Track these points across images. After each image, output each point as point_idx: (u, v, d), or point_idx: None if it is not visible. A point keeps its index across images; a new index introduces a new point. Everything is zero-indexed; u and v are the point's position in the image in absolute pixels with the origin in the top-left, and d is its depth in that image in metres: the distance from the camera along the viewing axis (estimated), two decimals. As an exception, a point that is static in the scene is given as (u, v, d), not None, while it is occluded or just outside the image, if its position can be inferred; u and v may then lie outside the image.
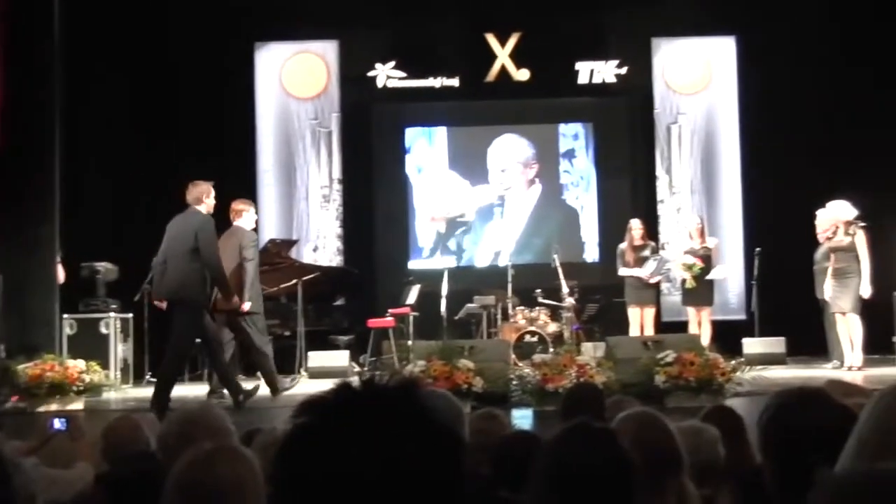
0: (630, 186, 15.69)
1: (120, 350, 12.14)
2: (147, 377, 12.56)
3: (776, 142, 14.38)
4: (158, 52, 14.21)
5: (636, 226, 12.82)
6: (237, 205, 10.64)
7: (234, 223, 10.51)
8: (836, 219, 11.70)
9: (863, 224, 11.60)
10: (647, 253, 12.67)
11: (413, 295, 13.47)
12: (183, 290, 9.37)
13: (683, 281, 12.74)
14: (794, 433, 2.39)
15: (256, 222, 10.96)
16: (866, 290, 11.39)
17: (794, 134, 14.31)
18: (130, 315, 12.59)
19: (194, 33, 14.21)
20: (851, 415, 2.40)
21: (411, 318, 13.22)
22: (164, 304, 9.67)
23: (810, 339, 12.65)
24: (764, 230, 13.93)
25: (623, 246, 12.71)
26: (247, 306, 10.05)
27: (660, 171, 15.22)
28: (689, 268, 12.46)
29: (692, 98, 15.24)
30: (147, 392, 10.50)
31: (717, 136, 15.21)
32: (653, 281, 12.67)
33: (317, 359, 12.51)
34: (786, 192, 13.98)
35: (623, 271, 12.62)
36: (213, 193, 9.69)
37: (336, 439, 1.33)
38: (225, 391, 9.98)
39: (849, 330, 11.46)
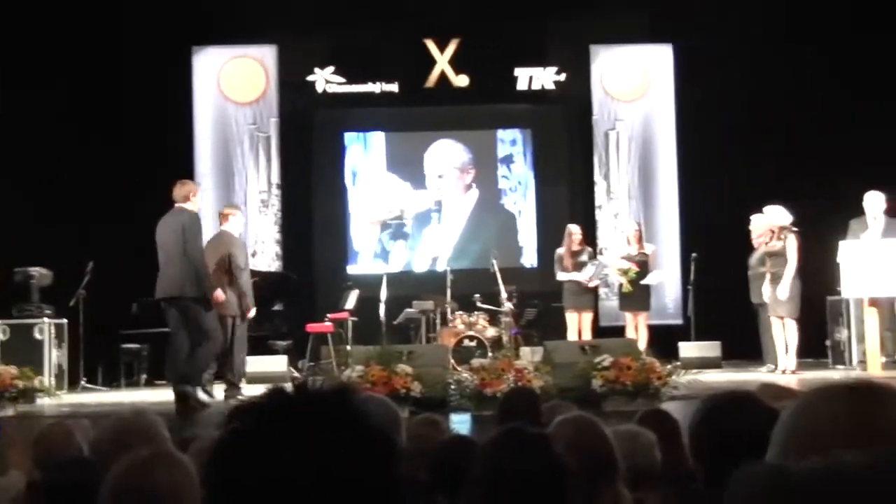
0: (568, 192, 15.78)
1: (54, 356, 11.96)
2: (82, 383, 12.41)
3: (712, 148, 14.57)
4: (95, 54, 14.04)
5: (575, 231, 12.89)
6: (225, 209, 11.00)
7: (222, 227, 10.82)
8: (770, 224, 11.90)
9: (795, 229, 11.77)
10: (584, 258, 12.74)
11: (352, 300, 13.45)
12: (184, 288, 9.62)
13: (620, 286, 12.83)
14: (724, 436, 2.43)
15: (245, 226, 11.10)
16: (784, 292, 11.56)
17: (730, 141, 14.51)
18: (65, 320, 12.41)
19: (132, 36, 14.07)
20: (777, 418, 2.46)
21: (350, 324, 13.19)
22: None
23: (745, 343, 12.84)
24: (700, 236, 14.11)
25: (561, 251, 12.77)
26: (253, 312, 10.64)
27: (598, 176, 15.35)
28: (625, 272, 12.55)
29: (630, 105, 15.39)
30: (82, 398, 10.37)
31: (654, 143, 15.37)
32: (591, 285, 12.75)
33: (255, 364, 12.41)
34: (721, 198, 14.19)
35: (561, 276, 12.67)
36: (199, 192, 10.07)
37: (268, 444, 1.31)
38: (243, 389, 10.35)
39: (784, 334, 11.64)
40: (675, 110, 15.27)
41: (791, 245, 11.65)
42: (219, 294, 10.07)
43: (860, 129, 13.66)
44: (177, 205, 9.87)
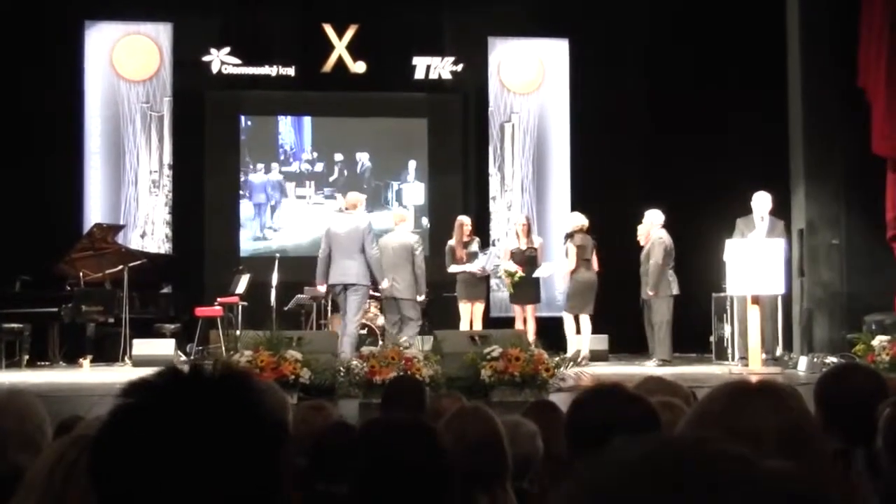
0: (462, 183, 15.87)
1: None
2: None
3: (605, 143, 14.77)
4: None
5: (466, 221, 12.93)
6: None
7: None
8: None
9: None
10: (475, 248, 12.80)
11: (242, 284, 13.34)
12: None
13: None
14: (593, 426, 2.51)
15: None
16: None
17: (623, 136, 14.74)
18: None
19: (22, 9, 13.74)
20: (649, 409, 2.58)
21: (240, 308, 13.10)
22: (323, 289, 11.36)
23: (633, 336, 13.06)
24: (592, 230, 14.25)
25: (452, 243, 12.76)
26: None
27: (492, 168, 15.45)
28: (511, 275, 12.64)
29: (525, 98, 15.52)
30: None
31: (548, 137, 15.53)
32: (484, 274, 12.80)
33: (141, 347, 12.27)
34: (613, 193, 14.37)
35: (453, 268, 12.66)
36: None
37: (157, 423, 1.31)
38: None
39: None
40: (569, 105, 15.44)
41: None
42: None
43: (750, 128, 13.95)
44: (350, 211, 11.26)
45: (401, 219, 11.95)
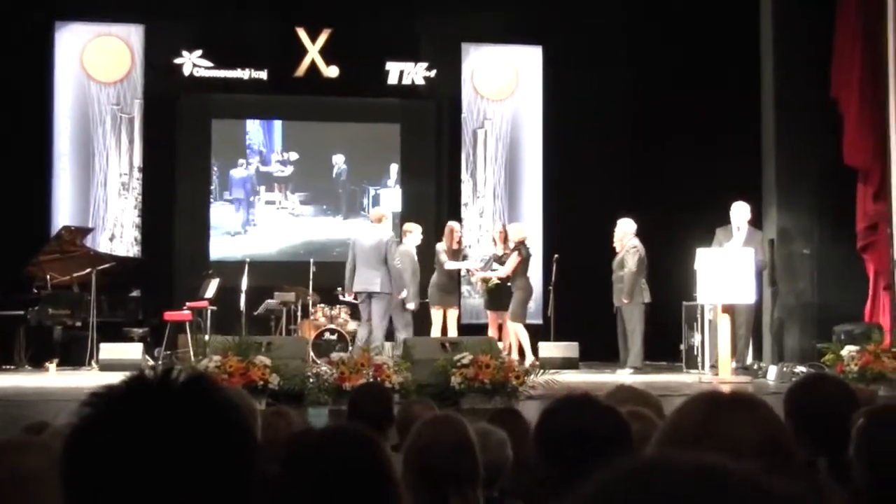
0: (435, 189, 15.86)
1: None
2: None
3: (578, 151, 14.77)
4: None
5: (456, 228, 12.95)
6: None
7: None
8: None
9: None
10: (466, 254, 12.99)
11: (212, 289, 13.23)
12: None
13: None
14: (561, 436, 2.52)
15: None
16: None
17: (595, 144, 14.74)
18: None
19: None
20: (619, 419, 2.57)
21: (209, 313, 12.99)
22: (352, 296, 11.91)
23: (603, 344, 13.04)
24: (563, 237, 14.29)
25: (442, 246, 12.66)
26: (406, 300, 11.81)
27: (465, 175, 15.42)
28: (486, 282, 12.71)
29: (499, 104, 15.52)
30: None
31: (520, 143, 15.54)
32: (483, 275, 12.74)
33: (109, 351, 12.15)
34: (586, 200, 14.37)
35: (452, 264, 12.61)
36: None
37: (125, 431, 1.29)
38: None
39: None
40: (542, 112, 15.44)
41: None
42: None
43: (727, 137, 13.97)
44: (374, 224, 11.84)
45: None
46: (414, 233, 12.43)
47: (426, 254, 12.69)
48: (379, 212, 12.08)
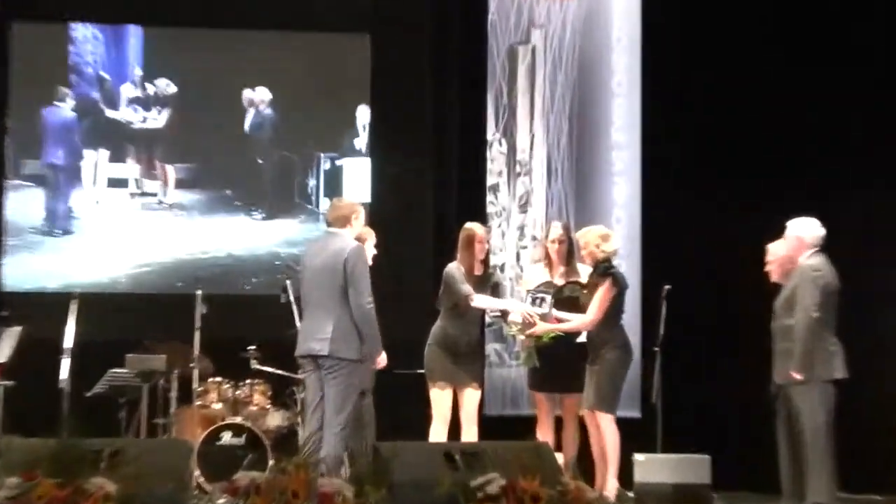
0: (434, 158, 11.47)
1: None
2: None
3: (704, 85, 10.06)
4: None
5: (481, 233, 8.27)
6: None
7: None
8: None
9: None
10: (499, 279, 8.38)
11: (6, 344, 8.83)
12: None
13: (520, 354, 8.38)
14: None
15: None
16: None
17: (738, 72, 10.09)
18: None
19: None
20: None
21: (1, 390, 8.72)
22: None
23: (756, 456, 8.21)
24: (678, 250, 9.60)
25: (458, 269, 8.03)
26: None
27: (492, 131, 10.66)
28: (539, 339, 8.05)
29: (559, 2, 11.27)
30: None
31: (599, 72, 11.12)
32: (547, 327, 7.86)
33: None
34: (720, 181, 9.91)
35: (482, 301, 7.92)
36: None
37: None
38: None
39: None
40: (640, 15, 10.39)
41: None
42: None
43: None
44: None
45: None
46: (368, 241, 8.21)
47: (409, 278, 9.31)
48: (343, 206, 7.96)
